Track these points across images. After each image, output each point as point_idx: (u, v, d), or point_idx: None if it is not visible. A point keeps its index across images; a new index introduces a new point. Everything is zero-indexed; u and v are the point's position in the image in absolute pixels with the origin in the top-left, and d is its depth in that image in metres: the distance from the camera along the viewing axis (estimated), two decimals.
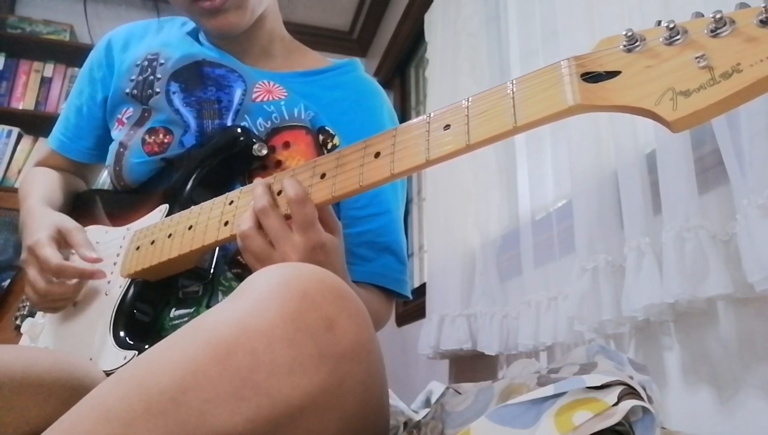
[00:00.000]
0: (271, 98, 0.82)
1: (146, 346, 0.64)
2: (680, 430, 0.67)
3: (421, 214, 2.49)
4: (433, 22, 2.07)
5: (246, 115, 0.81)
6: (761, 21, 0.40)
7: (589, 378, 0.44)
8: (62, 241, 0.75)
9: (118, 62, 0.89)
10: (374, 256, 0.82)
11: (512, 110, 0.50)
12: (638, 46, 0.46)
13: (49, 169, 0.93)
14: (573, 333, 1.10)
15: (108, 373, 0.63)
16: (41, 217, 0.79)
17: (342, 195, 0.59)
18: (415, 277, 2.46)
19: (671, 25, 0.44)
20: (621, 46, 0.47)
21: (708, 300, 0.86)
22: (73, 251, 0.75)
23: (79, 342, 0.72)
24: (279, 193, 0.63)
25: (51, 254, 0.71)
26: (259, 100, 0.82)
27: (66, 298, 0.73)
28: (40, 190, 0.87)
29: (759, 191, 0.77)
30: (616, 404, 0.42)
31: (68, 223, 0.77)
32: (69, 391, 0.55)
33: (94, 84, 0.91)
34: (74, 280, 0.73)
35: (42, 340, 0.77)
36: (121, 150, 0.83)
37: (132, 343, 0.67)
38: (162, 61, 0.85)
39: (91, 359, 0.67)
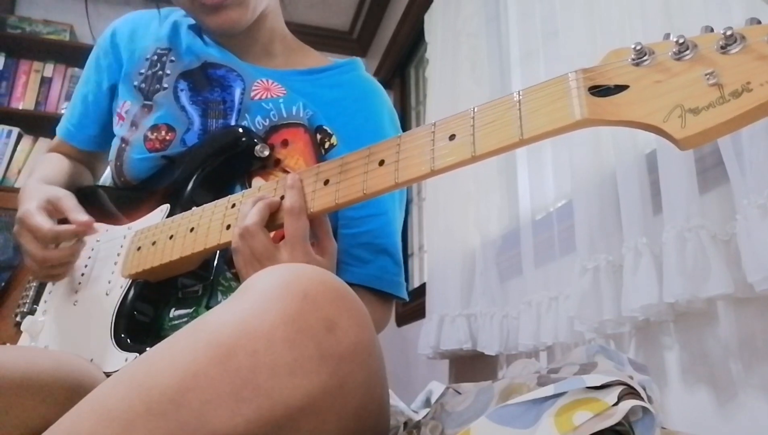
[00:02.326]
0: (269, 96, 0.82)
1: (146, 348, 0.64)
2: (680, 430, 0.67)
3: (421, 214, 2.49)
4: (433, 22, 2.07)
5: (246, 114, 0.81)
6: None
7: (589, 378, 0.44)
8: (53, 210, 0.76)
9: (127, 52, 0.89)
10: (371, 258, 0.82)
11: (519, 122, 0.49)
12: (647, 60, 0.45)
13: (57, 155, 0.94)
14: (573, 333, 1.10)
15: (108, 375, 0.63)
16: (32, 191, 0.80)
17: (345, 202, 0.59)
18: (415, 277, 2.46)
19: (681, 40, 0.44)
20: (629, 60, 0.46)
21: (708, 300, 0.86)
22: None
23: (79, 342, 0.72)
24: (282, 197, 0.63)
25: (42, 221, 0.72)
26: (257, 98, 0.82)
27: (65, 262, 0.74)
28: (40, 173, 0.88)
29: (759, 191, 0.77)
30: (616, 404, 0.42)
31: (58, 192, 0.78)
32: (69, 392, 0.55)
33: (100, 72, 0.91)
34: (71, 242, 0.74)
35: (42, 339, 0.76)
36: (123, 145, 0.83)
37: (133, 344, 0.67)
38: (173, 58, 0.85)
39: (92, 360, 0.67)
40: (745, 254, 0.78)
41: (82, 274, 0.79)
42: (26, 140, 2.43)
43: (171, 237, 0.71)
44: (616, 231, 1.04)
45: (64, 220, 0.76)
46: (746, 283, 0.79)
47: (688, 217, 0.87)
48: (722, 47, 0.42)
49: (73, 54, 2.49)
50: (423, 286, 1.84)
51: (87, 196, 0.90)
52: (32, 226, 0.72)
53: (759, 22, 0.42)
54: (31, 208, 0.74)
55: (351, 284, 0.73)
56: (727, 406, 0.86)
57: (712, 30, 0.44)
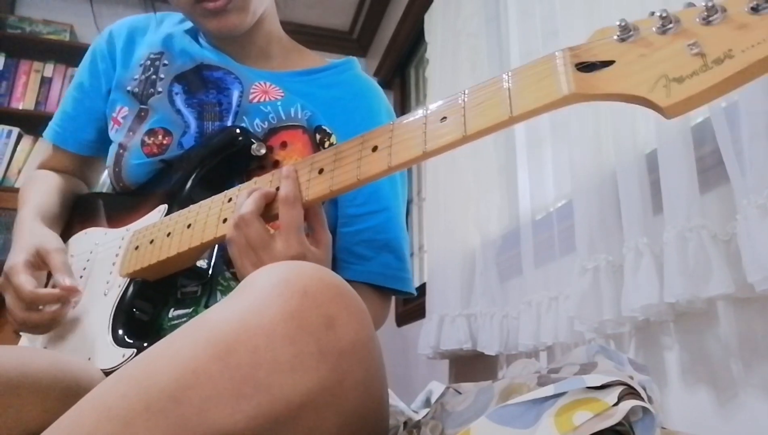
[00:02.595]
0: (267, 99, 0.82)
1: (145, 345, 0.64)
2: (680, 430, 0.67)
3: (421, 214, 2.49)
4: (433, 22, 2.07)
5: (244, 117, 0.81)
6: (752, 8, 0.41)
7: (589, 378, 0.44)
8: (40, 263, 0.73)
9: (122, 58, 0.88)
10: (373, 255, 0.82)
11: (508, 101, 0.50)
12: (632, 35, 0.47)
13: (49, 173, 0.92)
14: (573, 333, 1.10)
15: (107, 372, 0.62)
16: (25, 236, 0.77)
17: (340, 189, 0.60)
18: (415, 277, 2.46)
19: (664, 15, 0.45)
20: (614, 37, 0.47)
21: (708, 300, 0.86)
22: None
23: (77, 342, 0.72)
24: (278, 188, 0.63)
25: (24, 282, 0.68)
26: (255, 100, 0.82)
27: (45, 325, 0.71)
28: (35, 199, 0.85)
29: (759, 191, 0.77)
30: (616, 404, 0.42)
31: (49, 244, 0.74)
32: (66, 392, 0.55)
33: (97, 76, 0.90)
34: (54, 306, 0.70)
35: (40, 342, 0.76)
36: (121, 151, 0.83)
37: (131, 341, 0.67)
38: (166, 62, 0.85)
39: (89, 359, 0.67)
40: (746, 254, 0.78)
41: (81, 277, 0.79)
42: (26, 140, 2.43)
43: (168, 234, 0.71)
44: (617, 231, 1.04)
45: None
46: (746, 283, 0.79)
47: (688, 217, 0.87)
48: (704, 19, 0.43)
49: (73, 54, 2.48)
50: (423, 286, 1.84)
51: (86, 204, 0.90)
52: (15, 285, 0.69)
53: None
54: (17, 263, 0.70)
55: (352, 282, 0.74)
56: (727, 406, 0.86)
57: (694, 5, 0.45)
